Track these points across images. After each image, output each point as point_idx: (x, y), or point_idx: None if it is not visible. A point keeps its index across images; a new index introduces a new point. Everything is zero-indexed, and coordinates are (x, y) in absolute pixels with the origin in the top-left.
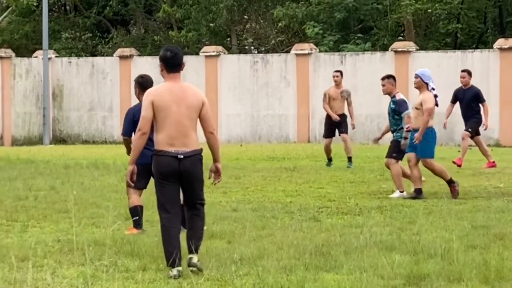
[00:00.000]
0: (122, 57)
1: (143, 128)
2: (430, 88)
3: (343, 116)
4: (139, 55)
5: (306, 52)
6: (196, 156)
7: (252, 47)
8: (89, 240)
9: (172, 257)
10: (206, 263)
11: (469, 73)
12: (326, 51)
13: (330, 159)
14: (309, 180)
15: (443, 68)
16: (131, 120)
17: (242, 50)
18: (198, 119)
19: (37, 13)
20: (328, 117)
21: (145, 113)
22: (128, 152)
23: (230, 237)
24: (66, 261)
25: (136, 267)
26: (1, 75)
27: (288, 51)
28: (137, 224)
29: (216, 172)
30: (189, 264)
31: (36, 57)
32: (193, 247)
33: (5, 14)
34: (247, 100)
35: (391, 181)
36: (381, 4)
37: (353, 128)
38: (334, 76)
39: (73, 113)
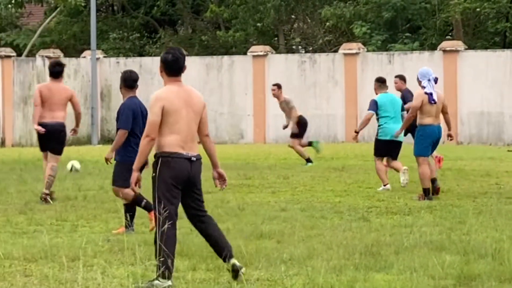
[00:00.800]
0: None
1: (151, 133)
2: (421, 85)
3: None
4: (187, 55)
5: (354, 51)
6: (200, 160)
7: (300, 47)
8: (139, 240)
9: (169, 268)
10: (255, 263)
11: None
12: (374, 50)
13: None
14: (358, 180)
15: (492, 67)
16: (132, 115)
17: (290, 50)
18: None
19: (85, 13)
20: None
21: (154, 118)
22: (117, 147)
23: (280, 237)
24: (116, 261)
25: (186, 267)
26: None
27: (335, 51)
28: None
29: (221, 178)
30: (235, 269)
31: (84, 57)
32: (230, 252)
33: (53, 14)
34: (295, 100)
35: (441, 181)
36: (429, 3)
37: (284, 128)
38: (272, 90)
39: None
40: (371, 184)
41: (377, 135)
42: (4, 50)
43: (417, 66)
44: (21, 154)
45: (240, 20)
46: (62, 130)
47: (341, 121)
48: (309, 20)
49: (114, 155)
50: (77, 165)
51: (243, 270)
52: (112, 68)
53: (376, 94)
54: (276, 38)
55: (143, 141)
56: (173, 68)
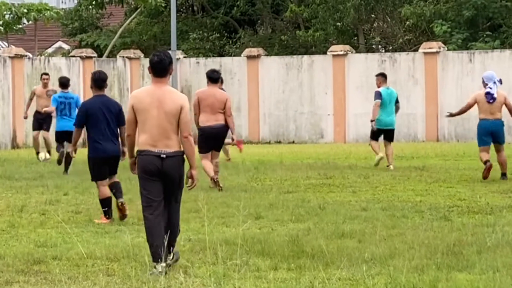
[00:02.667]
0: (249, 57)
1: (127, 131)
2: (488, 87)
3: None
4: (267, 55)
5: (434, 50)
6: (178, 157)
7: (380, 46)
8: (220, 239)
9: (158, 252)
10: (337, 263)
11: None
12: (454, 49)
13: None
14: (439, 179)
15: None
16: (85, 114)
17: (370, 49)
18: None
19: (165, 14)
20: None
21: (128, 117)
22: (74, 143)
23: (361, 236)
24: (198, 260)
25: (267, 267)
26: (130, 76)
27: (416, 50)
28: (108, 214)
29: (191, 178)
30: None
31: None
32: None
33: (133, 15)
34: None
35: None
36: (510, 2)
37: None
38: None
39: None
40: (452, 183)
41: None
42: (85, 51)
43: (498, 64)
44: None
45: (320, 19)
46: (226, 131)
47: (422, 120)
48: (389, 19)
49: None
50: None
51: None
52: (192, 68)
53: (379, 87)
54: (355, 37)
55: (125, 137)
56: (157, 69)
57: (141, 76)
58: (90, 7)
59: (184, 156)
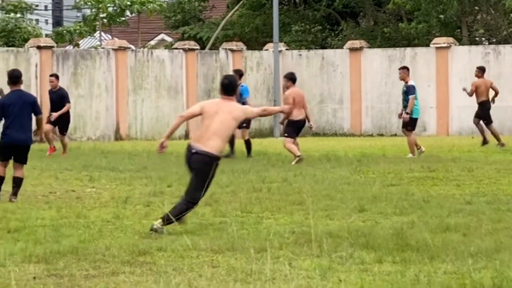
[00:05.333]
0: (352, 50)
1: (184, 113)
2: None
3: None
4: (369, 47)
5: None
6: (201, 155)
7: (483, 38)
8: (324, 232)
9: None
10: (442, 256)
11: None
12: None
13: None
14: None
15: None
16: (1, 106)
17: (473, 42)
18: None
19: (267, 6)
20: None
21: (192, 109)
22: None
23: (466, 230)
24: (302, 253)
25: (372, 259)
26: (232, 68)
27: None
28: None
29: None
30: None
31: (266, 50)
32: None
33: (236, 7)
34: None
35: None
36: None
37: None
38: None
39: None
40: None
41: (410, 113)
42: (188, 43)
43: None
44: None
45: (423, 11)
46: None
47: None
48: (492, 11)
49: None
50: None
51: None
52: (294, 61)
53: (407, 81)
54: (459, 30)
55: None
56: (225, 90)
57: (243, 68)
58: None
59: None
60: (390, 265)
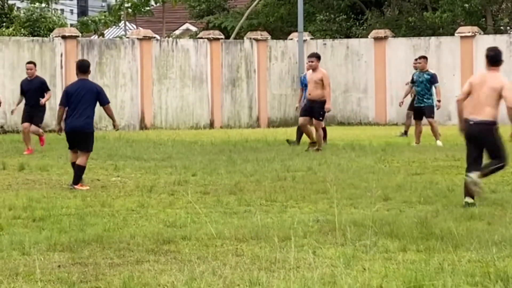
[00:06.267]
0: (376, 39)
1: (459, 97)
2: None
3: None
4: (394, 37)
5: None
6: (482, 125)
7: (508, 27)
8: (348, 221)
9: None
10: (466, 245)
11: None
12: None
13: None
14: None
15: None
16: (67, 95)
17: (498, 31)
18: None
19: None
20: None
21: (464, 89)
22: (57, 119)
23: (490, 218)
24: (326, 241)
25: (396, 248)
26: (257, 57)
27: None
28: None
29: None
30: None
31: (291, 39)
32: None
33: None
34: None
35: None
36: None
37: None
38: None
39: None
40: None
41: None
42: (213, 33)
43: None
44: (229, 135)
45: (448, 1)
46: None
47: None
48: None
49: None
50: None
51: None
52: (319, 50)
53: (427, 69)
54: (483, 19)
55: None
56: (491, 61)
57: (268, 57)
58: None
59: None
60: (414, 253)
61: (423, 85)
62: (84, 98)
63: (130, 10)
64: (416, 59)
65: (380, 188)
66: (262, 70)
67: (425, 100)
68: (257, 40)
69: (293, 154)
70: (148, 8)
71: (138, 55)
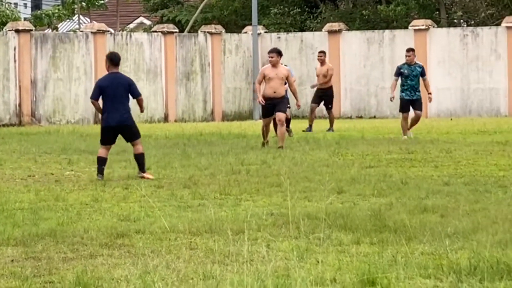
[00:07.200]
0: (330, 32)
1: None
2: None
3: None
4: (348, 30)
5: None
6: None
7: (461, 21)
8: (302, 214)
9: None
10: (419, 237)
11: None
12: None
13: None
14: None
15: None
16: (99, 88)
17: (451, 24)
18: None
19: None
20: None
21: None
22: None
23: (443, 211)
24: (280, 234)
25: (350, 241)
26: (211, 51)
27: (498, 24)
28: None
29: None
30: None
31: (245, 32)
32: None
33: None
34: (457, 74)
35: None
36: None
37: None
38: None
39: None
40: None
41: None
42: (167, 26)
43: None
44: (184, 129)
45: None
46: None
47: (504, 95)
48: None
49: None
50: None
51: None
52: (273, 43)
53: (415, 62)
54: (437, 12)
55: None
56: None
57: (222, 51)
58: None
59: None
60: (368, 246)
61: (417, 79)
62: (118, 92)
63: (84, 3)
64: (406, 52)
65: (334, 181)
66: (216, 63)
67: (417, 93)
68: (211, 33)
69: (247, 147)
70: (102, 1)
71: (92, 49)
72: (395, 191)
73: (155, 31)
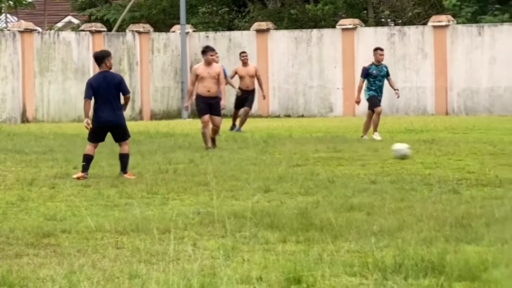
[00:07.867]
0: (259, 31)
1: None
2: None
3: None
4: (276, 29)
5: (444, 24)
6: None
7: (389, 20)
8: (229, 213)
9: None
10: (345, 235)
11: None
12: (463, 22)
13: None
14: (448, 152)
15: None
16: (91, 87)
17: (379, 23)
18: None
19: None
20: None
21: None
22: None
23: (369, 209)
24: (207, 233)
25: (276, 239)
26: (139, 50)
27: (425, 23)
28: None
29: None
30: None
31: (173, 31)
32: None
33: None
34: None
35: None
36: None
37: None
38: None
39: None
40: (461, 156)
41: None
42: (95, 25)
43: (507, 38)
44: None
45: None
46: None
47: (431, 94)
48: None
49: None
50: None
51: None
52: (201, 42)
53: (382, 62)
54: (365, 11)
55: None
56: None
57: (150, 50)
58: None
59: None
60: (294, 244)
61: (384, 79)
62: (110, 91)
63: (11, 2)
64: (379, 51)
65: (261, 180)
66: (144, 62)
67: (381, 94)
68: (139, 32)
69: (175, 146)
70: (29, 0)
71: (19, 47)
72: (322, 190)
73: (83, 30)
